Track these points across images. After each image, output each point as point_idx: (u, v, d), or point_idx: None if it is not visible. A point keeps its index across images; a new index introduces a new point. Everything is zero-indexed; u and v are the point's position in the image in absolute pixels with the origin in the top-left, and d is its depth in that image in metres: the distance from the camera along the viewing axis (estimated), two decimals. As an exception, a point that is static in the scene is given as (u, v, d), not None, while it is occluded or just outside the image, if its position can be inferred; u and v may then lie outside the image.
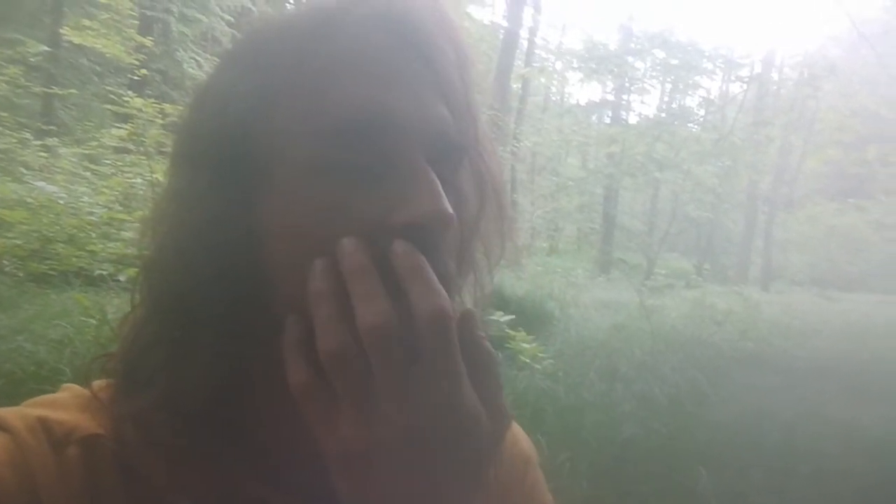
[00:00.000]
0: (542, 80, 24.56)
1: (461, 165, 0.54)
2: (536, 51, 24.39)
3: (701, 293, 10.65)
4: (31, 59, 9.43)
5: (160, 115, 7.14)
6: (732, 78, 22.43)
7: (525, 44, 20.79)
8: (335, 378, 0.44)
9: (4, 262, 5.07)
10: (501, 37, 16.70)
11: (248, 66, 0.52)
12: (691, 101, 28.31)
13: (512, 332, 4.92)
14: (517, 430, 0.73)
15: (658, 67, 20.11)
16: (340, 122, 0.48)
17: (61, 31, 10.05)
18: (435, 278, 0.45)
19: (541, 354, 4.86)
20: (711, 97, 27.51)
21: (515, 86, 18.57)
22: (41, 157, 7.76)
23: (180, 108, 0.54)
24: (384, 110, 0.49)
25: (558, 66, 24.60)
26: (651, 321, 6.86)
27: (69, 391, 0.56)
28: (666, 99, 31.57)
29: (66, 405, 0.53)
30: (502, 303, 5.98)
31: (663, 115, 27.01)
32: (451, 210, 0.47)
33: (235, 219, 0.50)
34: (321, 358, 0.44)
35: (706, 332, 7.61)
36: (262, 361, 0.51)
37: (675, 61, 18.31)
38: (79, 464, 0.50)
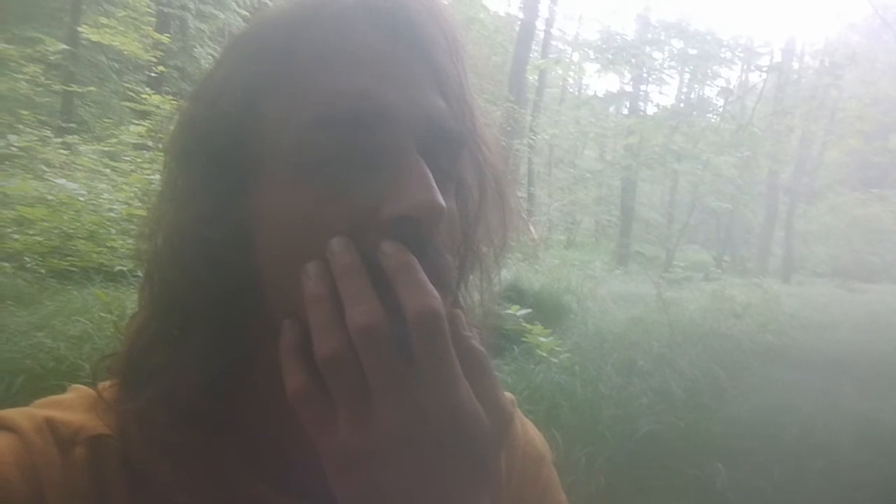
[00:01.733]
0: (559, 71, 24.40)
1: (460, 155, 0.53)
2: (553, 42, 24.27)
3: (720, 285, 10.55)
4: (51, 58, 9.51)
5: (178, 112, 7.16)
6: (752, 67, 22.16)
7: (541, 35, 20.68)
8: (331, 382, 0.43)
9: (25, 258, 5.13)
10: (517, 28, 16.62)
11: (240, 59, 0.52)
12: (710, 92, 28.00)
13: (529, 326, 4.90)
14: (530, 429, 0.72)
15: (676, 57, 19.88)
16: (326, 113, 0.48)
17: (79, 29, 10.13)
18: (424, 277, 0.44)
19: (557, 348, 4.83)
20: (730, 87, 27.18)
21: (532, 77, 18.48)
22: (61, 154, 7.83)
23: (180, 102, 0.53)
24: (372, 100, 0.48)
25: (575, 57, 24.43)
26: (669, 314, 6.80)
27: (76, 392, 0.57)
28: (684, 89, 31.31)
29: (73, 405, 0.54)
30: (519, 296, 5.96)
31: (682, 105, 26.76)
32: (442, 202, 0.46)
33: (227, 215, 0.49)
34: (318, 363, 0.44)
35: (725, 325, 7.54)
36: (261, 359, 0.51)
37: (693, 51, 18.10)
38: (85, 464, 0.50)
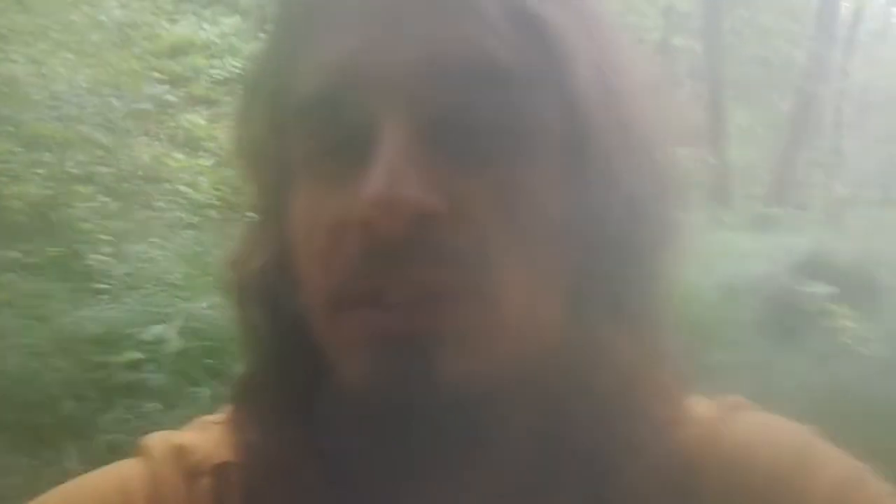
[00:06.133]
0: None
1: (520, 97, 0.37)
2: (874, -35, 20.81)
3: None
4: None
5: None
6: None
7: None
8: None
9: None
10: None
11: (262, 50, 0.46)
12: None
13: (833, 307, 4.30)
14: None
15: None
16: (302, 100, 0.40)
17: None
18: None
19: (868, 336, 4.19)
20: None
21: (846, 4, 16.05)
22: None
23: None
24: (345, 71, 0.38)
25: (904, -20, 20.72)
26: None
27: (222, 413, 0.55)
28: None
29: (210, 430, 0.52)
30: (820, 269, 5.28)
31: None
32: (405, 192, 0.35)
33: (276, 231, 0.45)
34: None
35: None
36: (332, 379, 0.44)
37: None
38: (208, 494, 0.48)
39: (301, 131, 0.41)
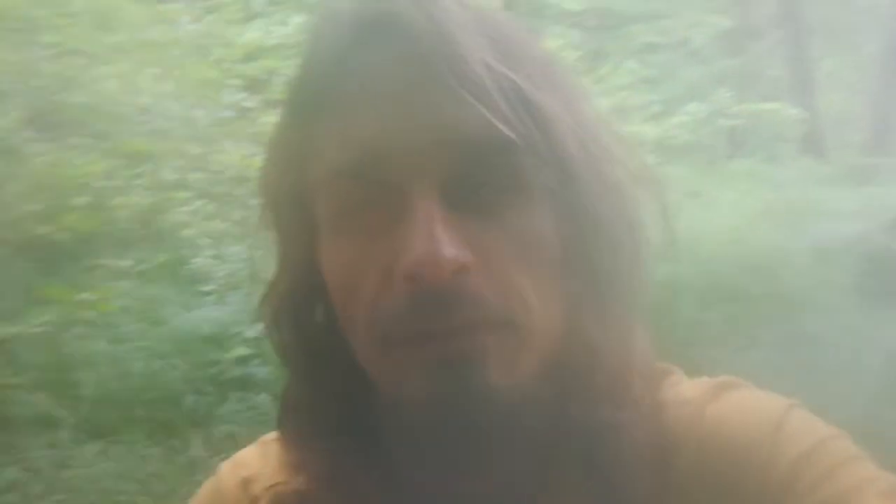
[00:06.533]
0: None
1: (523, 160, 0.45)
2: None
3: None
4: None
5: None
6: None
7: None
8: None
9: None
10: None
11: (283, 114, 0.54)
12: None
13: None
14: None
15: None
16: (336, 168, 0.47)
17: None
18: None
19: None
20: None
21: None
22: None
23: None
24: (372, 151, 0.46)
25: None
26: None
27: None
28: None
29: (271, 449, 0.59)
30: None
31: None
32: (446, 252, 0.43)
33: (307, 273, 0.52)
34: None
35: None
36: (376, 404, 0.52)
37: None
38: None
39: (331, 192, 0.48)
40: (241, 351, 3.35)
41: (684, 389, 0.53)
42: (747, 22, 10.92)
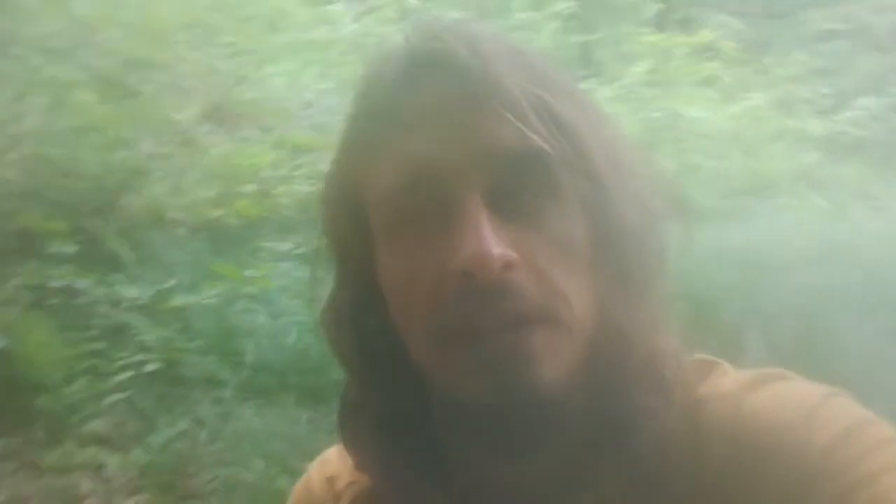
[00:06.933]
0: None
1: (555, 170, 0.51)
2: None
3: None
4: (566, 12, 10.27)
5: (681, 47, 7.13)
6: None
7: None
8: None
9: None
10: None
11: (342, 140, 0.59)
12: None
13: None
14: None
15: None
16: (393, 185, 0.53)
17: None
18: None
19: None
20: None
21: None
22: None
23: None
24: (426, 167, 0.52)
25: None
26: None
27: None
28: None
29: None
30: None
31: None
32: (494, 250, 0.48)
33: (364, 284, 0.57)
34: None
35: None
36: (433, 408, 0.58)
37: None
38: None
39: (389, 207, 0.54)
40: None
41: (727, 381, 0.55)
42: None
